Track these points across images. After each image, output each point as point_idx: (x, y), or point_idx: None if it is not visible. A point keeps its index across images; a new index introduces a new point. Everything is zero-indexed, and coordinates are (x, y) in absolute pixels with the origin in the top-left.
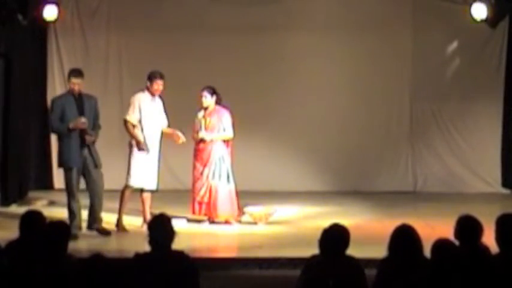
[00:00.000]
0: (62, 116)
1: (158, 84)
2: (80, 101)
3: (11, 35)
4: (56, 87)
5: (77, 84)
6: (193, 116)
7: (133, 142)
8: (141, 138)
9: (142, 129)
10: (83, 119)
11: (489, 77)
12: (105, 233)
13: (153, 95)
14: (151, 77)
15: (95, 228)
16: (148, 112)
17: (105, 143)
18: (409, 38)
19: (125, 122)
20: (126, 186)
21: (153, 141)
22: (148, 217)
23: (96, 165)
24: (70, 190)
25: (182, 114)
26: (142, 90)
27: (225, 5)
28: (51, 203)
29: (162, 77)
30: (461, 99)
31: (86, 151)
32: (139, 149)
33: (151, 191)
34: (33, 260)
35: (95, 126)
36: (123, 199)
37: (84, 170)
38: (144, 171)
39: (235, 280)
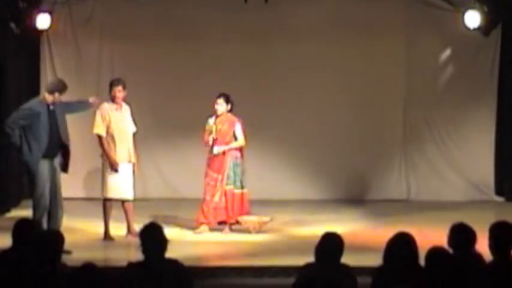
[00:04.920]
0: (30, 128)
1: (116, 91)
2: (53, 114)
3: (3, 43)
4: None
5: (58, 99)
6: (192, 121)
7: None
8: (114, 157)
9: (113, 139)
10: None
11: (482, 84)
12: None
13: (116, 103)
14: (110, 85)
15: None
16: (114, 121)
17: (96, 152)
18: (402, 46)
19: (100, 137)
20: (105, 199)
21: (126, 150)
22: (132, 226)
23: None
24: (42, 201)
25: (171, 121)
26: (106, 100)
27: (217, 12)
28: None
29: (119, 83)
30: (455, 107)
31: (56, 160)
32: (113, 169)
33: (129, 201)
34: (26, 269)
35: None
36: (105, 211)
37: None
38: (119, 181)
39: None
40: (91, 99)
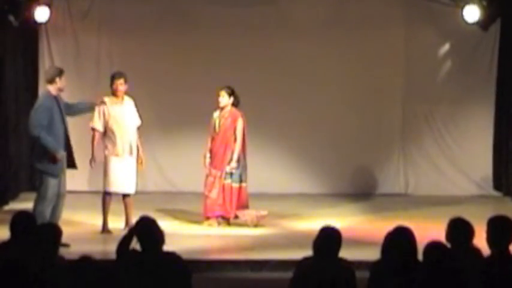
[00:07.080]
0: (49, 124)
1: (117, 84)
2: (60, 105)
3: (2, 36)
4: None
5: (61, 84)
6: (190, 116)
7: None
8: (94, 154)
9: (113, 133)
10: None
11: (481, 79)
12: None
13: (116, 96)
14: (112, 78)
15: None
16: (114, 115)
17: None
18: (401, 41)
19: (92, 129)
20: (105, 193)
21: (127, 144)
22: (131, 220)
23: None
24: (49, 197)
25: (169, 114)
26: (107, 94)
27: (216, 7)
28: None
29: (121, 76)
30: (453, 102)
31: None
32: (90, 163)
33: (130, 195)
34: (24, 262)
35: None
36: (104, 205)
37: None
38: (121, 176)
39: (227, 282)
40: (98, 103)
